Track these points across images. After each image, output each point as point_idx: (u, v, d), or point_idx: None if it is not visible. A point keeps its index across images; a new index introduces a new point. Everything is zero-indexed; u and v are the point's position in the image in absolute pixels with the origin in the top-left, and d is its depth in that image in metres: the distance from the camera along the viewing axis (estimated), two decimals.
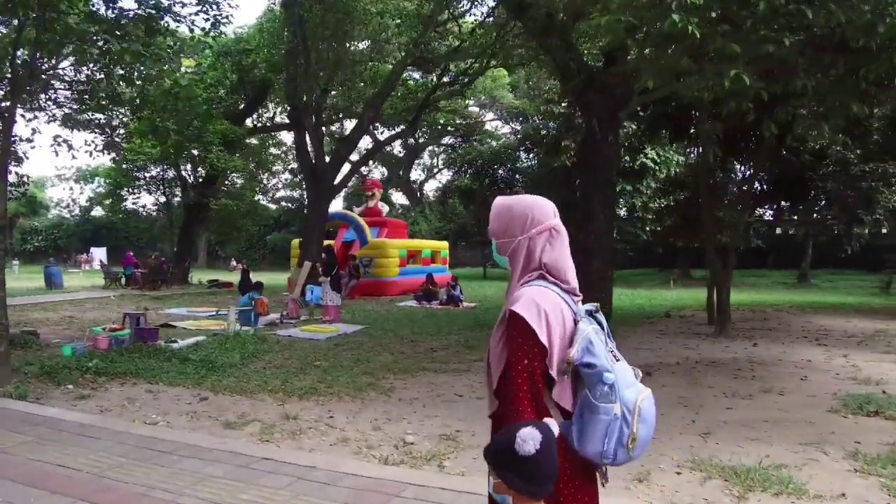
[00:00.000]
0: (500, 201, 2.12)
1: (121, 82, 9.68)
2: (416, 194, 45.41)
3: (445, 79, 17.81)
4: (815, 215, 22.56)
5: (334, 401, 7.01)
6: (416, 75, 20.86)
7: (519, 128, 34.31)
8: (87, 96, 9.63)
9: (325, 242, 17.76)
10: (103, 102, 9.78)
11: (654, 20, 6.19)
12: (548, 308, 1.88)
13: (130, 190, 23.90)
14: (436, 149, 43.49)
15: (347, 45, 15.88)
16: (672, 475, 4.68)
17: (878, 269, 27.41)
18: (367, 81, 17.97)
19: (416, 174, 47.15)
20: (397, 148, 41.76)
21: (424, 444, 5.55)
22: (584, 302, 2.04)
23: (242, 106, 22.25)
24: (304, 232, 18.47)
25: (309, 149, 17.82)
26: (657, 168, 25.83)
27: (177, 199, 24.92)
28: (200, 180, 23.69)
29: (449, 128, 30.69)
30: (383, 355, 9.87)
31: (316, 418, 6.28)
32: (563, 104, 25.78)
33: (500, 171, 33.42)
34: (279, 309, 14.50)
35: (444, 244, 26.17)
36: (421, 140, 40.34)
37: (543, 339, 1.85)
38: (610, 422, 1.86)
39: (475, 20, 16.83)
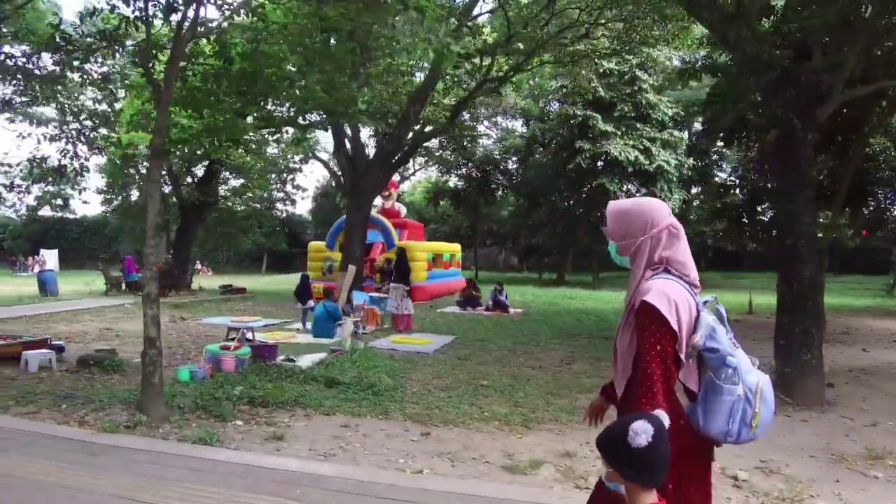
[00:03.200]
0: (616, 207, 2.29)
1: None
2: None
3: (494, 72, 16.68)
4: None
5: (568, 430, 5.95)
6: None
7: (523, 129, 33.59)
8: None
9: (398, 245, 16.40)
10: None
11: None
12: (676, 297, 2.05)
13: (120, 188, 21.57)
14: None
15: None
16: None
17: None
18: (406, 75, 16.69)
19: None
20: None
21: (758, 479, 4.77)
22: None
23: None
24: (345, 234, 17.02)
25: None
26: (670, 171, 25.58)
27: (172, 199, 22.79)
28: (197, 178, 21.77)
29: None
30: (525, 370, 8.87)
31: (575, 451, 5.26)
32: (576, 107, 25.32)
33: (498, 174, 32.61)
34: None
35: (458, 247, 25.06)
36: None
37: (674, 325, 2.02)
38: (734, 402, 2.03)
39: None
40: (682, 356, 2.05)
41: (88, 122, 16.59)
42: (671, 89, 28.76)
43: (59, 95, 9.21)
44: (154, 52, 5.86)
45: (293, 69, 8.05)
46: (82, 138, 9.22)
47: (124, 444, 5.07)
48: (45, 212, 45.52)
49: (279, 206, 34.31)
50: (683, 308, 2.05)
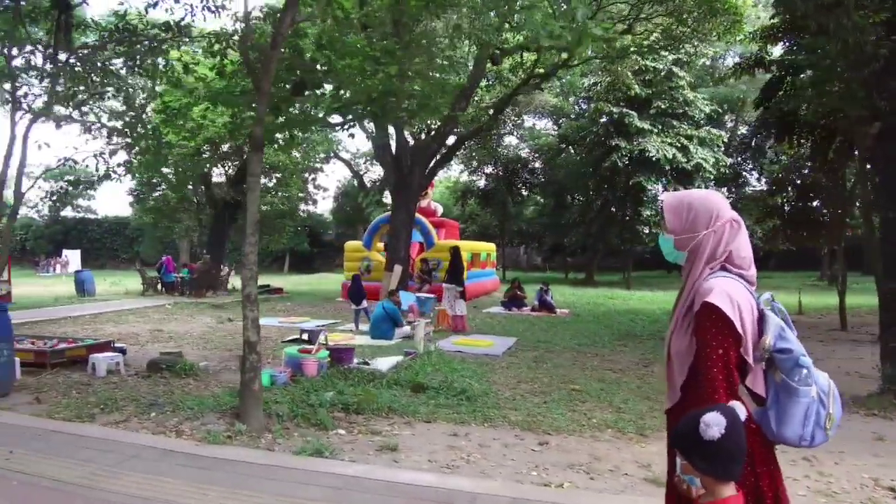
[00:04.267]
0: (678, 198, 2.18)
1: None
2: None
3: (540, 70, 16.27)
4: None
5: None
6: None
7: (556, 127, 33.14)
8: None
9: (453, 243, 16.02)
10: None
11: None
12: (739, 298, 1.96)
13: (153, 186, 21.23)
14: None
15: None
16: None
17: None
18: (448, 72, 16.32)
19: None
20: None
21: None
22: None
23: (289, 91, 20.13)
24: (390, 233, 16.68)
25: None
26: (708, 169, 25.08)
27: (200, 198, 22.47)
28: (231, 176, 21.45)
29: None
30: (606, 373, 8.52)
31: None
32: (611, 104, 24.86)
33: (525, 173, 32.19)
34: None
35: (493, 246, 24.64)
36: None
37: (739, 328, 1.93)
38: (809, 404, 1.95)
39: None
40: (749, 359, 1.97)
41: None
42: (705, 86, 28.37)
43: (125, 88, 8.87)
44: (247, 41, 5.49)
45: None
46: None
47: (236, 456, 4.73)
48: (67, 212, 45.66)
49: (301, 205, 34.11)
50: (746, 309, 1.97)
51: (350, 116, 8.75)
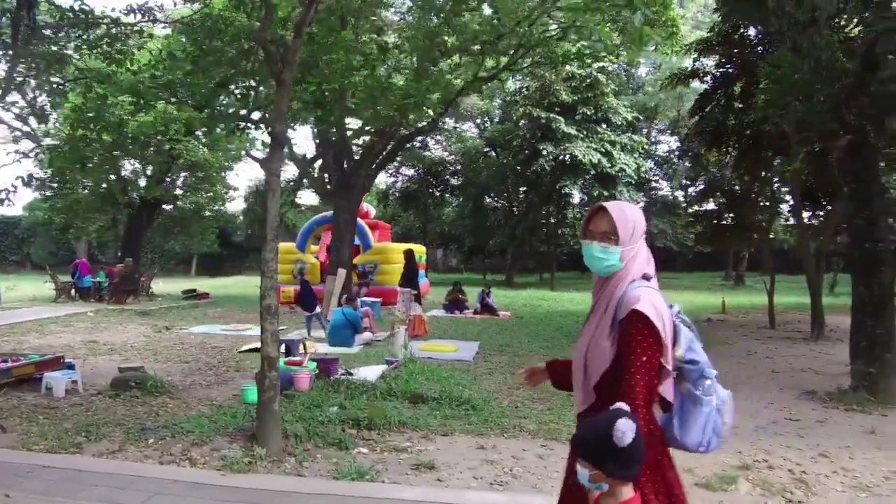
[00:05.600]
0: (621, 210, 2.18)
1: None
2: (329, 194, 42.56)
3: (490, 63, 16.19)
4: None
5: None
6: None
7: (479, 130, 33.34)
8: None
9: (405, 247, 15.58)
10: None
11: None
12: (661, 309, 2.04)
13: (65, 183, 19.38)
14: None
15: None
16: None
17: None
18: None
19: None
20: (307, 145, 39.07)
21: None
22: None
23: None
24: (333, 236, 16.12)
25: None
26: (630, 174, 26.04)
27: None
28: (150, 174, 20.06)
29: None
30: None
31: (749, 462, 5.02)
32: (539, 108, 25.30)
33: (448, 175, 32.24)
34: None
35: (424, 248, 24.44)
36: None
37: (664, 336, 2.00)
38: (709, 413, 2.07)
39: None
40: (669, 367, 2.04)
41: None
42: (625, 94, 29.49)
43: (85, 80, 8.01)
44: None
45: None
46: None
47: (274, 485, 4.37)
48: None
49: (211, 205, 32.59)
50: (667, 320, 2.05)
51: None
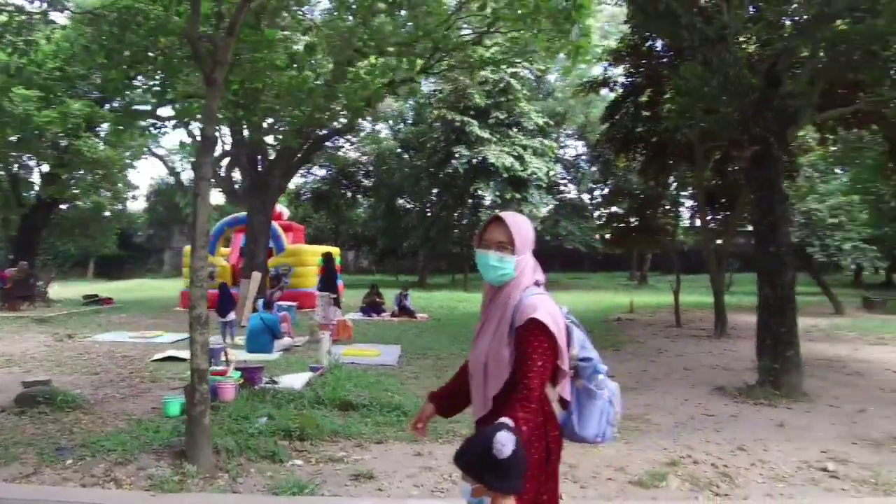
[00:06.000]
0: (517, 219, 2.29)
1: None
2: (237, 195, 41.18)
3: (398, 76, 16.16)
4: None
5: (634, 439, 5.91)
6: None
7: (392, 131, 33.11)
8: None
9: (324, 249, 15.16)
10: None
11: None
12: (556, 314, 2.15)
13: None
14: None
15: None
16: None
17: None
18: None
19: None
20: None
21: (844, 469, 5.10)
22: None
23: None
24: (247, 238, 15.57)
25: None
26: (541, 177, 26.68)
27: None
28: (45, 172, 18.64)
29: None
30: None
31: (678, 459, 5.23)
32: (455, 111, 25.51)
33: (360, 176, 31.91)
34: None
35: (338, 250, 24.03)
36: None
37: (561, 342, 2.12)
38: (603, 405, 2.24)
39: None
40: (565, 368, 2.17)
41: None
42: (535, 100, 30.22)
43: None
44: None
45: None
46: None
47: None
48: None
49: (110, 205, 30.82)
50: (561, 324, 2.17)
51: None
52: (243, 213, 20.49)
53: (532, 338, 2.08)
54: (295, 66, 7.35)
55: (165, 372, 8.62)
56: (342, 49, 14.64)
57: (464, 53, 16.56)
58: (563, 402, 2.28)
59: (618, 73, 16.40)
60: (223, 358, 7.69)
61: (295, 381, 7.50)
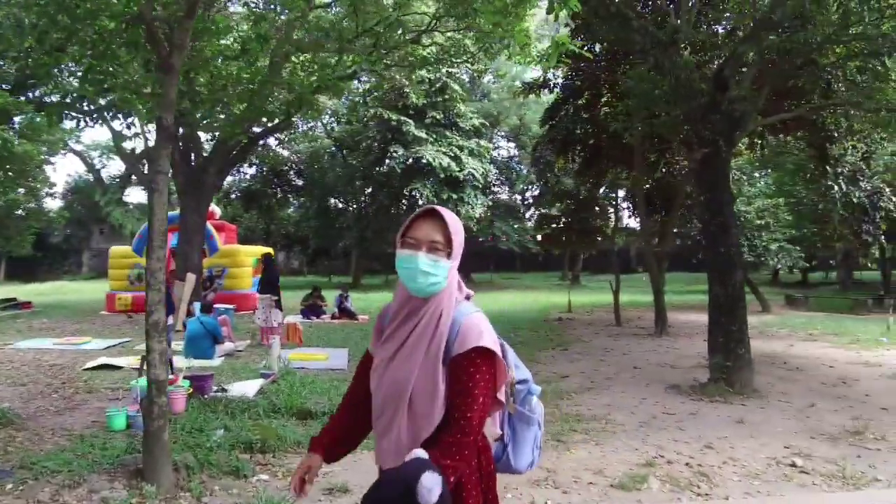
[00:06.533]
0: (454, 218, 1.91)
1: None
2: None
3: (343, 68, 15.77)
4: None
5: (604, 439, 5.88)
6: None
7: (326, 129, 32.33)
8: None
9: (264, 250, 14.48)
10: None
11: None
12: (496, 337, 1.84)
13: None
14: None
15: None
16: None
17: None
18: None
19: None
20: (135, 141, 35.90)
21: (809, 464, 5.25)
22: None
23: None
24: (181, 238, 14.78)
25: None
26: (477, 178, 26.74)
27: None
28: None
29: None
30: None
31: (652, 460, 5.22)
32: (391, 110, 25.22)
33: (291, 175, 31.11)
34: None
35: (272, 251, 23.29)
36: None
37: (504, 370, 1.83)
38: (536, 430, 2.01)
39: None
40: (503, 398, 1.86)
41: None
42: (471, 101, 30.30)
43: None
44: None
45: None
46: None
47: None
48: None
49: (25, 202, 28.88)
50: (500, 346, 1.87)
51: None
52: (174, 212, 19.61)
53: (474, 369, 1.72)
54: (246, 55, 6.94)
55: (101, 381, 8.02)
56: (280, 45, 14.21)
57: (405, 51, 16.36)
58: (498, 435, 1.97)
59: (557, 75, 16.55)
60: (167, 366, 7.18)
61: (246, 388, 7.11)
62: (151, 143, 18.14)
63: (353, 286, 29.30)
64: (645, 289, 27.54)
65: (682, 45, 8.58)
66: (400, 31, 15.59)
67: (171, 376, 6.91)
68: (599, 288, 26.59)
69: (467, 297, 1.90)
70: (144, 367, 7.27)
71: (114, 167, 35.59)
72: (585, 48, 15.10)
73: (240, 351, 10.83)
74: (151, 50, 4.53)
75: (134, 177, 35.86)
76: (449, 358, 1.75)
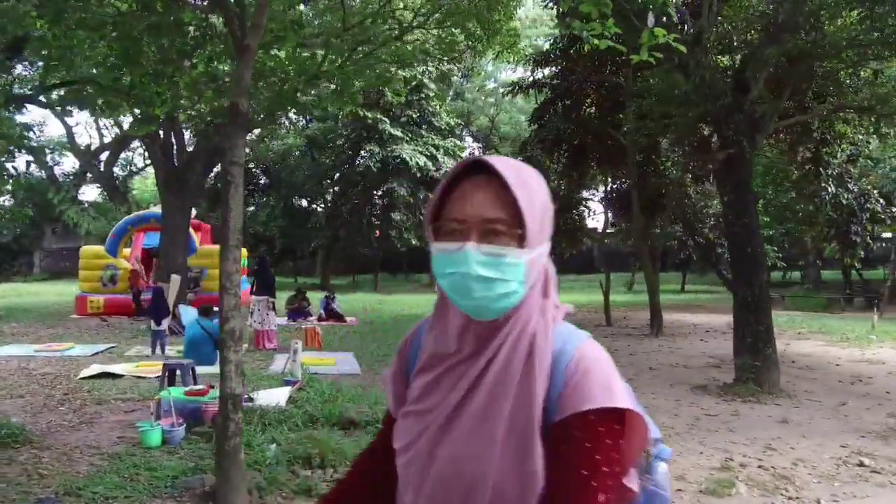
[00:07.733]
0: (522, 171, 1.07)
1: None
2: (120, 192, 37.78)
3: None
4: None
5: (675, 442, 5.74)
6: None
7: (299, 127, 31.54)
8: None
9: (258, 252, 13.86)
10: None
11: None
12: (622, 381, 1.11)
13: None
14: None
15: None
16: None
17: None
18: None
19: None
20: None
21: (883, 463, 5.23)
22: None
23: None
24: (163, 239, 14.10)
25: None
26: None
27: None
28: None
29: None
30: None
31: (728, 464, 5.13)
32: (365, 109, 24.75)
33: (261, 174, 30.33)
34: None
35: (244, 252, 22.59)
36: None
37: (649, 432, 1.13)
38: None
39: None
40: (634, 484, 1.10)
41: None
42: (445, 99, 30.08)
43: None
44: None
45: None
46: None
47: None
48: None
49: None
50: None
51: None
52: (149, 211, 18.83)
53: (597, 444, 0.97)
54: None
55: (105, 391, 7.50)
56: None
57: (393, 49, 16.04)
58: None
59: (546, 74, 16.50)
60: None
61: (276, 397, 6.74)
62: (106, 140, 17.32)
63: (320, 288, 28.73)
64: (615, 287, 27.84)
65: (708, 45, 8.53)
66: (386, 26, 15.31)
67: (201, 386, 6.54)
68: (580, 288, 26.87)
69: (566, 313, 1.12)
70: (166, 377, 6.87)
71: (68, 163, 33.94)
72: (574, 48, 15.16)
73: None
74: (223, 36, 4.16)
75: (89, 174, 34.42)
76: (551, 422, 1.00)
